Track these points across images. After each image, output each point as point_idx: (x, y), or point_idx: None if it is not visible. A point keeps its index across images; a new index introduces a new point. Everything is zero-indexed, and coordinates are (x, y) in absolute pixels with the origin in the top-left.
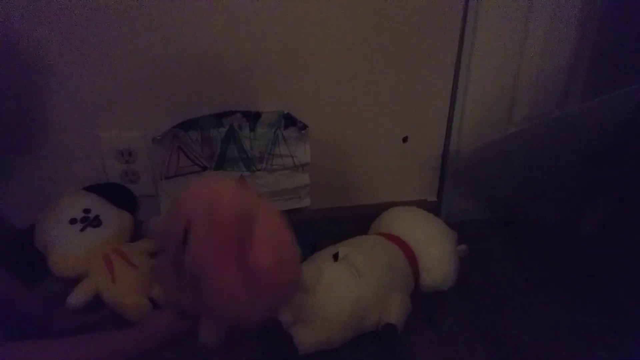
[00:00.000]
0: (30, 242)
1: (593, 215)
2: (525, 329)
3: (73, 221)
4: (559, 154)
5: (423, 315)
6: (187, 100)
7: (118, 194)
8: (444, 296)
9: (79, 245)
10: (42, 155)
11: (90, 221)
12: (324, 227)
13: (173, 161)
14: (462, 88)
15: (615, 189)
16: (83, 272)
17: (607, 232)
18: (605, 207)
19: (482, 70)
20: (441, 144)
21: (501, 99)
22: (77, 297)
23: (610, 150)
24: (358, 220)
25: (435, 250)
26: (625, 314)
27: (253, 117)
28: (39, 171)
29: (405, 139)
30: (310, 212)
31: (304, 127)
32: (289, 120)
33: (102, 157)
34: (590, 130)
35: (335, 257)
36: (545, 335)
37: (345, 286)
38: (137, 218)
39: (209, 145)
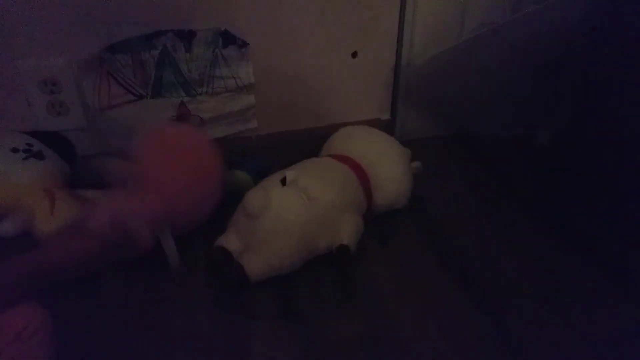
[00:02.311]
0: None
1: (546, 128)
2: (479, 247)
3: (15, 150)
4: (511, 63)
5: (376, 236)
6: (112, 19)
7: (58, 144)
8: (397, 215)
9: (20, 173)
10: None
11: (34, 153)
12: (274, 152)
13: (104, 89)
14: None
15: (567, 99)
16: (17, 204)
17: (560, 144)
18: (559, 119)
19: None
20: (392, 59)
21: (453, 6)
22: (9, 225)
23: (563, 58)
24: (309, 144)
25: (388, 168)
26: (575, 229)
27: (187, 36)
28: None
29: (354, 54)
30: (259, 137)
31: (245, 44)
32: (228, 38)
33: (24, 89)
34: (542, 37)
35: (283, 181)
36: (499, 252)
37: (294, 210)
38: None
39: (142, 70)
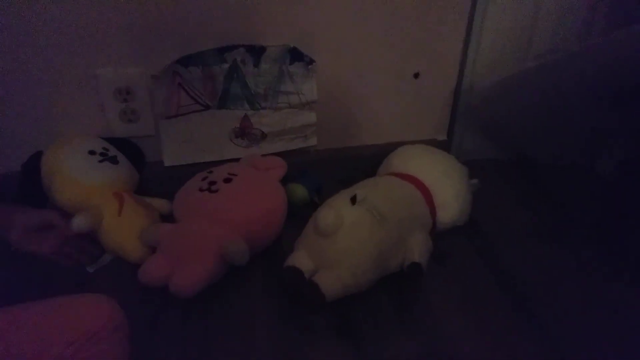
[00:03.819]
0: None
1: (610, 155)
2: (535, 271)
3: (92, 152)
4: (577, 92)
5: (434, 255)
6: (187, 34)
7: (130, 151)
8: (453, 235)
9: (95, 175)
10: (35, 95)
11: (109, 157)
12: (331, 168)
13: (174, 99)
14: (478, 20)
15: (634, 130)
16: (88, 203)
17: (622, 174)
18: (623, 148)
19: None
20: (454, 80)
21: (519, 32)
22: (81, 220)
23: (631, 90)
24: (365, 161)
25: (450, 186)
26: (631, 260)
27: (257, 52)
28: (34, 110)
29: (416, 75)
30: (316, 152)
31: (311, 62)
32: (295, 55)
33: (100, 96)
34: (612, 68)
35: (353, 200)
36: (554, 277)
37: (368, 229)
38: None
39: (211, 82)
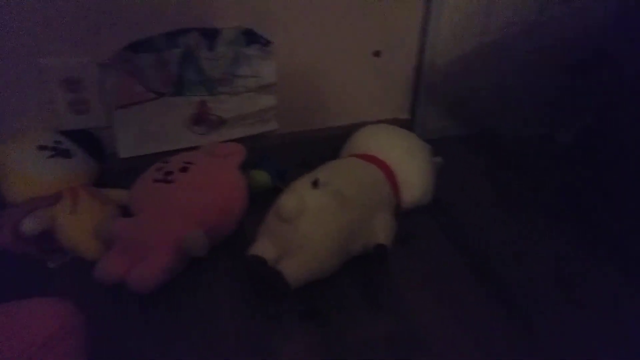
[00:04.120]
0: None
1: (569, 124)
2: (501, 245)
3: (42, 148)
4: (534, 62)
5: (398, 235)
6: (136, 19)
7: (88, 142)
8: (418, 214)
9: (46, 171)
10: None
11: (60, 151)
12: (293, 151)
13: (125, 88)
14: None
15: (592, 99)
16: (39, 202)
17: (582, 143)
18: (582, 117)
19: None
20: (415, 58)
21: (478, 6)
22: (32, 222)
23: (589, 59)
24: (328, 143)
25: (413, 165)
26: (598, 227)
27: (211, 35)
28: None
29: (377, 53)
30: (277, 136)
31: (268, 43)
32: (251, 37)
33: (47, 88)
34: (570, 38)
35: (315, 183)
36: (521, 250)
37: (331, 213)
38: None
39: (165, 69)
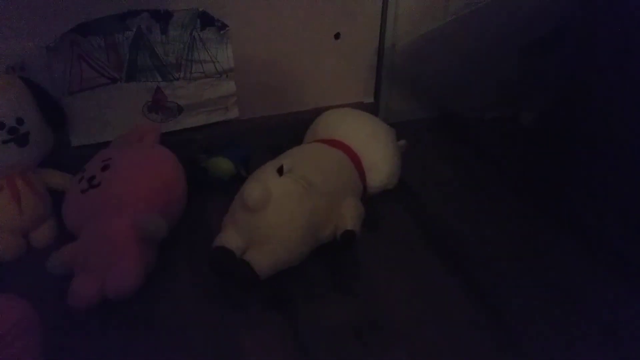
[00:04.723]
0: None
1: (530, 108)
2: (467, 228)
3: (1, 126)
4: (495, 43)
5: (367, 220)
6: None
7: (50, 105)
8: (384, 199)
9: None
10: None
11: (20, 137)
12: (256, 138)
13: (75, 73)
14: None
15: (551, 79)
16: None
17: (544, 124)
18: (542, 99)
19: None
20: (376, 40)
21: None
22: None
23: (547, 38)
24: (292, 129)
25: (378, 148)
26: (560, 207)
27: (163, 17)
28: None
29: (337, 36)
30: (239, 122)
31: (224, 26)
32: (206, 20)
33: None
34: (527, 17)
35: (280, 171)
36: (486, 232)
37: (297, 200)
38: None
39: (116, 53)
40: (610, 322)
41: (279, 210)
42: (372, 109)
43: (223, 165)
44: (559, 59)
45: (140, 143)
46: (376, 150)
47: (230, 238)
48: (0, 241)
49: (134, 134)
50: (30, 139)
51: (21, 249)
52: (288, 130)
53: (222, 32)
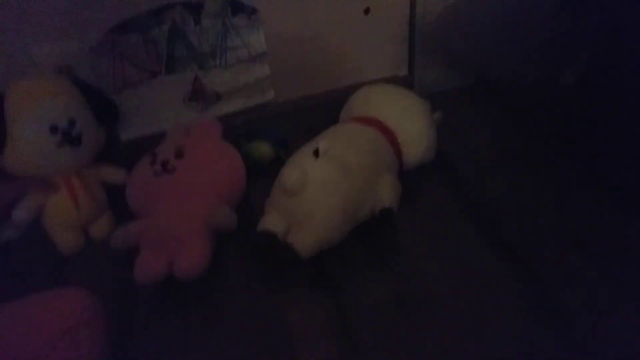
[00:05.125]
0: None
1: (571, 68)
2: (506, 198)
3: (54, 129)
4: (529, 4)
5: (405, 196)
6: None
7: (102, 104)
8: (421, 172)
9: (50, 160)
10: None
11: (72, 139)
12: (293, 119)
13: (118, 71)
14: None
15: (590, 37)
16: (34, 190)
17: (584, 85)
18: (582, 58)
19: None
20: (407, 11)
21: None
22: (22, 211)
23: None
24: (328, 107)
25: (413, 123)
26: (603, 173)
27: (195, 8)
28: None
29: (367, 11)
30: (276, 105)
31: (254, 11)
32: (236, 6)
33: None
34: None
35: (316, 153)
36: (526, 202)
37: (334, 181)
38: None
39: (154, 48)
40: None
41: (317, 193)
42: (407, 81)
43: (263, 148)
44: (595, 13)
45: (206, 136)
46: (411, 125)
47: (272, 221)
48: (62, 237)
49: (197, 128)
50: (83, 139)
51: (81, 243)
52: (326, 109)
53: (252, 17)
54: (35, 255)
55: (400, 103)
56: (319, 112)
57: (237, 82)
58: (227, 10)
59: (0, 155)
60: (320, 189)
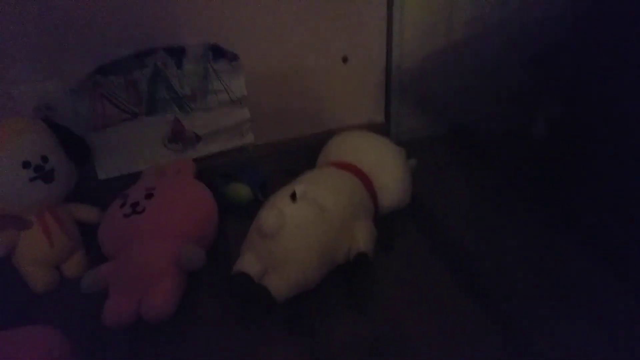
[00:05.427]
0: None
1: (543, 118)
2: (481, 244)
3: (26, 165)
4: (502, 57)
5: (379, 240)
6: (101, 40)
7: (73, 143)
8: (398, 218)
9: (24, 195)
10: None
11: (45, 173)
12: (272, 162)
13: (98, 111)
14: None
15: (560, 89)
16: (6, 226)
17: (556, 134)
18: (553, 108)
19: None
20: (383, 60)
21: (440, 3)
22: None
23: (552, 49)
24: (306, 151)
25: (388, 169)
26: (577, 219)
27: (177, 53)
28: None
29: (345, 59)
30: (255, 148)
31: (235, 57)
32: (218, 52)
33: (19, 115)
34: (531, 29)
35: (293, 196)
36: (501, 248)
37: (311, 225)
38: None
39: (135, 89)
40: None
41: (294, 235)
42: (384, 128)
43: (241, 190)
44: (565, 66)
45: (178, 176)
46: (386, 171)
47: (248, 263)
48: (34, 274)
49: (171, 167)
50: (56, 175)
51: (54, 280)
52: (302, 153)
53: (233, 62)
54: (6, 292)
55: (376, 149)
56: (297, 155)
57: (217, 124)
58: (209, 56)
59: None
60: (297, 232)
